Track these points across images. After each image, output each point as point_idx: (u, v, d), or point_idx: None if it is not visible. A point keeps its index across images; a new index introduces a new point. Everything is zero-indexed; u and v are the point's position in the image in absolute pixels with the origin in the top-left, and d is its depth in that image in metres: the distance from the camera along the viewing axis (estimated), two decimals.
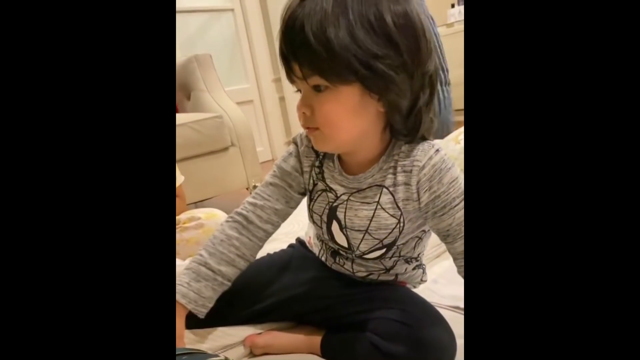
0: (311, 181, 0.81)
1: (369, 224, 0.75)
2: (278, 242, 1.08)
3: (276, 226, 0.85)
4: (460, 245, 0.71)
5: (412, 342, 0.71)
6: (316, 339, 0.83)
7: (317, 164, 0.80)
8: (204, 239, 1.25)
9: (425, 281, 0.92)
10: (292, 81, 0.68)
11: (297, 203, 0.85)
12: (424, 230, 0.80)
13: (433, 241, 1.20)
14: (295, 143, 0.83)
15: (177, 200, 1.39)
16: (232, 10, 3.59)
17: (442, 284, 1.05)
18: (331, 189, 0.78)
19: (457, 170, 0.71)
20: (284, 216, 0.84)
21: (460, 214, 0.70)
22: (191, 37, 3.29)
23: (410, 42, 0.63)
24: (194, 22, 3.33)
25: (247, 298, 0.87)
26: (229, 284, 0.81)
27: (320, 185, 0.79)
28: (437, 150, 0.70)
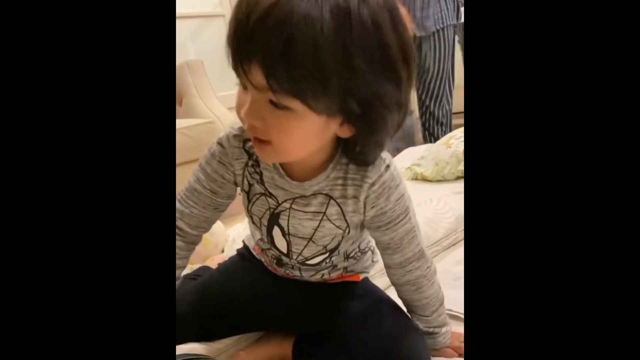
0: (246, 182, 0.74)
1: (314, 233, 0.74)
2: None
3: (208, 228, 0.80)
4: (398, 257, 0.74)
5: None
6: (287, 351, 0.83)
7: (250, 164, 0.72)
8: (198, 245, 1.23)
9: (377, 261, 0.90)
10: (241, 76, 0.56)
11: (224, 206, 0.79)
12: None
13: (423, 243, 1.21)
14: (221, 144, 0.74)
15: None
16: (223, 15, 3.58)
17: None
18: (271, 194, 0.72)
19: (404, 186, 0.70)
20: (214, 220, 0.80)
21: (403, 229, 0.72)
22: (182, 43, 3.27)
23: (410, 74, 0.56)
24: (185, 28, 3.32)
25: (218, 319, 0.87)
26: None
27: (258, 188, 0.73)
28: (388, 166, 0.68)
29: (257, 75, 0.53)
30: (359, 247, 0.83)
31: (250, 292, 0.87)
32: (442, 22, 2.09)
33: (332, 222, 0.72)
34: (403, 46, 0.54)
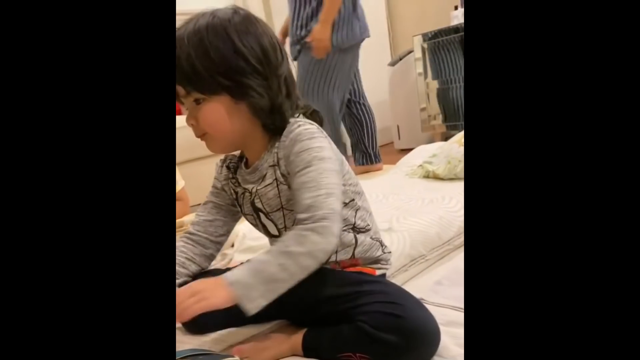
0: (232, 191, 0.95)
1: (280, 201, 0.87)
2: None
3: (217, 235, 0.97)
4: (297, 205, 0.79)
5: (404, 332, 0.74)
6: (297, 339, 0.86)
7: (230, 176, 0.94)
8: None
9: (389, 261, 0.96)
10: (180, 103, 0.84)
11: (230, 213, 0.98)
12: (342, 202, 0.84)
13: (435, 243, 1.21)
14: (217, 164, 0.99)
15: (180, 203, 1.42)
16: None
17: (446, 285, 1.05)
18: (245, 189, 0.91)
19: (315, 143, 0.81)
20: (221, 226, 0.97)
21: (300, 180, 0.79)
22: None
23: (257, 52, 0.80)
24: None
25: None
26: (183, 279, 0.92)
27: (240, 190, 0.93)
28: (299, 125, 0.83)
29: (179, 88, 0.82)
30: (354, 224, 0.90)
31: None
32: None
33: (284, 184, 0.85)
34: (246, 38, 0.80)
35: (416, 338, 0.75)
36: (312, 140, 0.81)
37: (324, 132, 0.85)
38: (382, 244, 0.95)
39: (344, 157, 0.89)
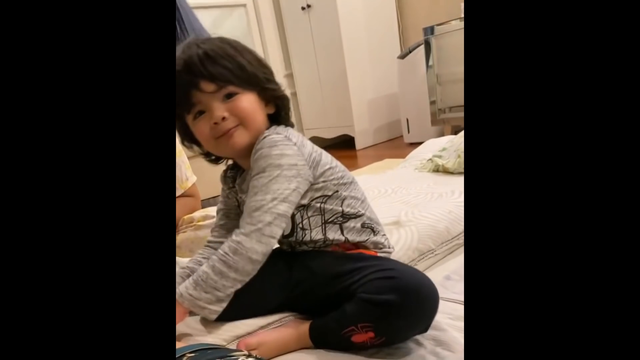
0: (235, 199, 1.03)
1: None
2: None
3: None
4: (246, 204, 0.88)
5: (400, 289, 0.77)
6: (304, 331, 0.88)
7: (231, 186, 1.02)
8: None
9: (391, 250, 1.01)
10: (197, 102, 0.88)
11: (237, 216, 1.02)
12: (324, 195, 0.93)
13: (444, 237, 1.21)
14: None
15: (191, 199, 1.42)
16: (244, 5, 3.60)
17: (455, 280, 1.05)
18: (241, 197, 0.98)
19: (274, 151, 0.87)
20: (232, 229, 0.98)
21: (251, 184, 0.88)
22: None
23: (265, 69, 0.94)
24: (206, 18, 3.33)
25: (251, 295, 0.92)
26: None
27: (240, 199, 1.00)
28: (265, 136, 0.90)
29: (207, 86, 0.87)
30: (342, 212, 0.94)
31: (271, 279, 0.93)
32: None
33: None
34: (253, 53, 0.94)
35: (412, 293, 0.77)
36: (271, 148, 0.88)
37: (294, 139, 0.90)
38: (374, 230, 0.97)
39: (325, 156, 0.95)
